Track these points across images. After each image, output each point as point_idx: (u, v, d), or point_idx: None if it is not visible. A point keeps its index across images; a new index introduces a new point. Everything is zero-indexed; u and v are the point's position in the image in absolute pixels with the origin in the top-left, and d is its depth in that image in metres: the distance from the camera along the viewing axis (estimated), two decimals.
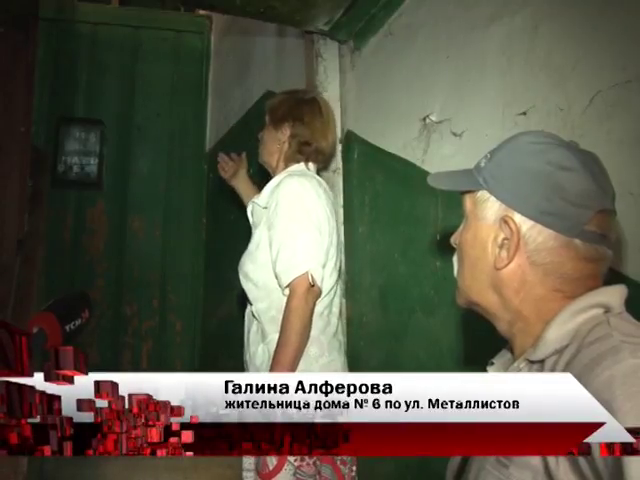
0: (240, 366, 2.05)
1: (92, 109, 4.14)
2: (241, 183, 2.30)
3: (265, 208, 1.94)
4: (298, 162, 2.00)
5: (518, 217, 0.87)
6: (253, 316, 1.93)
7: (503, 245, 0.88)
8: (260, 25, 3.07)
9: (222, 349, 3.55)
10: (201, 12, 4.30)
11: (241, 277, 1.97)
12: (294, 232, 1.84)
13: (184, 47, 4.31)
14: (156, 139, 4.22)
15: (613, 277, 0.91)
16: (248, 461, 1.86)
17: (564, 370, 0.77)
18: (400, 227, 2.03)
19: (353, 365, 1.99)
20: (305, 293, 1.79)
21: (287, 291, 1.82)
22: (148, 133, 4.22)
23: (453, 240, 1.00)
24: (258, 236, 1.94)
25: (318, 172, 2.07)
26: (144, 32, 4.24)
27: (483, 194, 0.92)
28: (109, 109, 4.16)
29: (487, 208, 0.91)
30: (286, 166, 2.00)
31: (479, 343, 1.05)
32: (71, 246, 4.02)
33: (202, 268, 4.13)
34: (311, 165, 2.02)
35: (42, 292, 3.17)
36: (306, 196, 1.88)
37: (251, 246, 1.97)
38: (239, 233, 3.14)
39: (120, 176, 4.15)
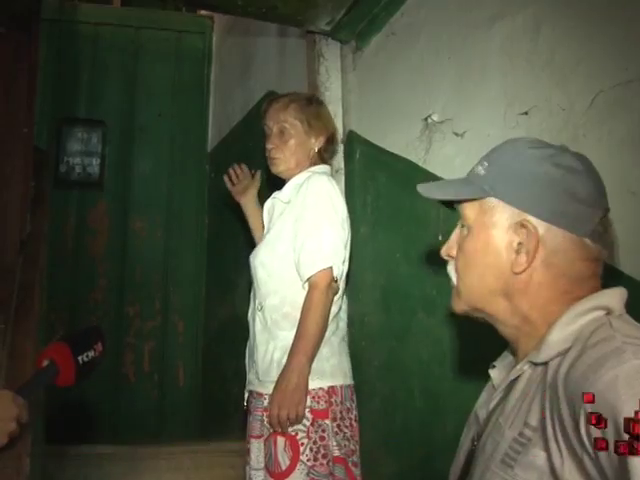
0: (243, 366, 2.04)
1: (94, 110, 4.13)
2: (250, 202, 2.23)
3: (287, 203, 1.95)
4: (320, 164, 2.03)
5: (534, 220, 0.88)
6: (260, 315, 1.92)
7: (520, 249, 0.89)
8: (262, 25, 3.07)
9: (225, 349, 3.56)
10: (203, 12, 4.30)
11: (256, 265, 1.95)
12: (322, 225, 1.86)
13: (186, 47, 4.30)
14: (158, 139, 4.21)
15: (614, 276, 0.91)
16: (257, 459, 1.84)
17: (568, 372, 0.78)
18: (402, 227, 2.03)
19: (355, 365, 1.99)
20: (327, 287, 1.81)
21: (306, 285, 1.83)
22: (150, 133, 4.21)
23: (446, 253, 1.00)
24: (279, 228, 1.94)
25: None
26: (146, 32, 4.24)
27: (489, 201, 0.92)
28: (111, 110, 4.15)
29: (497, 214, 0.91)
30: (309, 167, 2.01)
31: (481, 343, 1.05)
32: (73, 246, 4.02)
33: (204, 268, 4.12)
34: (329, 167, 2.07)
35: (44, 293, 3.17)
36: (333, 193, 1.92)
37: (269, 237, 1.96)
38: (240, 233, 3.14)
39: (122, 177, 4.15)
